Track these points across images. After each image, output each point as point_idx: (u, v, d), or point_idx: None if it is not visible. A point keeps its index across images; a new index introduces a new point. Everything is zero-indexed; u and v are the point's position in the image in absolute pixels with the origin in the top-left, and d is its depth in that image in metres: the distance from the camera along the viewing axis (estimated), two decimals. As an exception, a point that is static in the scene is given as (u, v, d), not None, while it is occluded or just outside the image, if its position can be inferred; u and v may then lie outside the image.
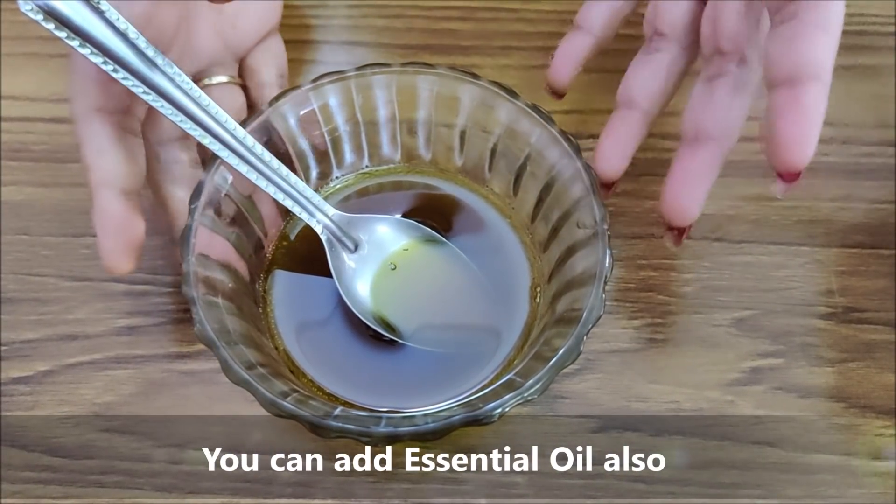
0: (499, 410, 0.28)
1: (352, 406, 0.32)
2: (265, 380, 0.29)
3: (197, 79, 0.38)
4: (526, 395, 0.28)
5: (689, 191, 0.33)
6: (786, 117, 0.30)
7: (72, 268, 0.39)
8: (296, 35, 0.45)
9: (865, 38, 0.45)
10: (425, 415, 0.30)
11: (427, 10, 0.47)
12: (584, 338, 0.29)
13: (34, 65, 0.45)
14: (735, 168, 0.41)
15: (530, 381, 0.28)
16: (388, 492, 0.34)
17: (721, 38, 0.34)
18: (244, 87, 0.40)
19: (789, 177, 0.31)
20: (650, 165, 0.41)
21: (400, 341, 0.34)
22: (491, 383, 0.32)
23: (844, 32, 0.45)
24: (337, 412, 0.29)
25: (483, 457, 0.35)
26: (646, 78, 0.36)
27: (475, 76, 0.35)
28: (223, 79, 0.38)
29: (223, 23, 0.38)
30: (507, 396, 0.28)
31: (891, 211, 0.40)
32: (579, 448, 0.35)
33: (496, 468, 0.35)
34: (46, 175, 0.41)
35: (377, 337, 0.34)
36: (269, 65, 0.40)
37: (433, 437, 0.28)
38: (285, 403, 0.28)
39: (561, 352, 0.29)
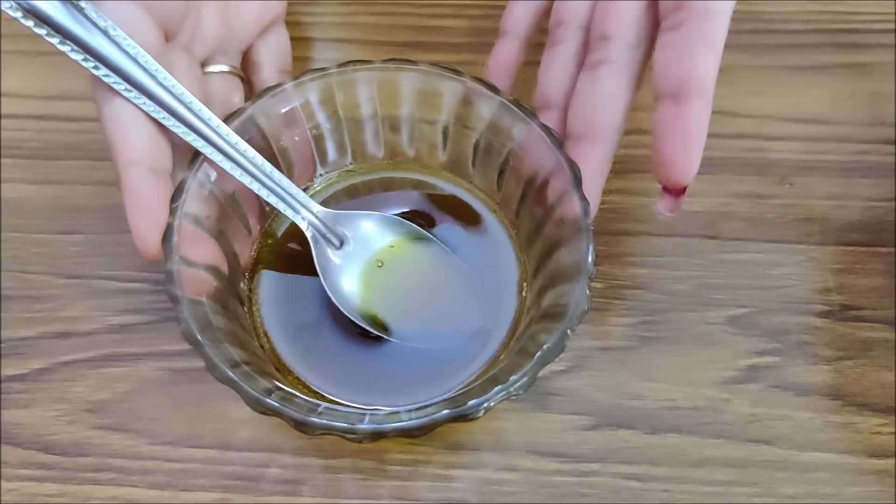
0: (484, 406, 0.28)
1: (339, 404, 0.32)
2: (250, 378, 0.29)
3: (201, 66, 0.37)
4: (511, 390, 0.28)
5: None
6: (669, 133, 0.31)
7: (64, 265, 0.39)
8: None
9: (860, 35, 0.45)
10: (410, 411, 0.30)
11: (418, 7, 0.47)
12: (569, 333, 0.29)
13: (25, 62, 0.45)
14: (728, 165, 0.41)
15: (515, 377, 0.28)
16: (379, 489, 0.34)
17: (609, 21, 0.34)
18: (245, 80, 0.40)
19: (674, 192, 0.33)
20: (639, 162, 0.41)
21: (387, 338, 0.34)
22: (478, 379, 0.32)
23: (840, 31, 0.46)
24: (321, 409, 0.29)
25: (475, 454, 0.35)
26: (556, 74, 0.36)
27: (457, 72, 0.35)
28: (224, 67, 0.38)
29: (228, 9, 0.37)
30: (492, 392, 0.28)
31: (888, 209, 0.40)
32: (573, 446, 0.35)
33: (488, 466, 0.35)
34: (38, 172, 0.41)
35: (364, 334, 0.34)
36: (272, 61, 0.40)
37: (418, 434, 0.28)
38: (269, 401, 0.28)
39: (545, 347, 0.29)
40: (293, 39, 0.41)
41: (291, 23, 0.45)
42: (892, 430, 0.35)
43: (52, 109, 0.43)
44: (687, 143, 0.31)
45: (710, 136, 0.41)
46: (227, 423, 0.35)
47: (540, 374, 0.36)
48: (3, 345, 0.37)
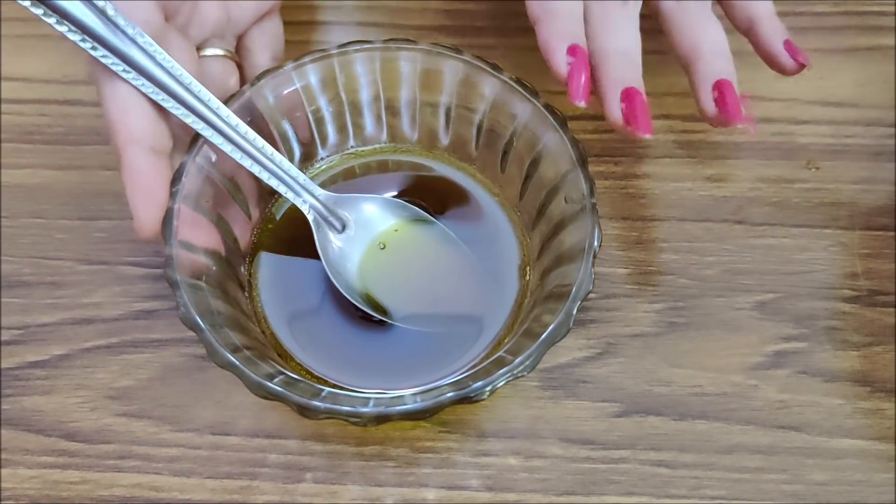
0: (489, 388, 0.28)
1: (342, 389, 0.32)
2: (251, 363, 0.29)
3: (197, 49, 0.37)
4: (516, 371, 0.28)
5: None
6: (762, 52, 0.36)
7: (87, 251, 0.38)
8: (307, 16, 0.45)
9: (887, 18, 0.45)
10: (414, 394, 0.29)
11: (442, -10, 0.46)
12: (574, 313, 0.29)
13: (47, 47, 0.44)
14: (755, 149, 0.41)
15: (520, 358, 0.28)
16: (410, 476, 0.34)
17: None
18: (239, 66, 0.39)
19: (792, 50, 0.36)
20: (670, 147, 0.40)
21: (389, 322, 0.34)
22: (481, 362, 0.32)
23: (867, 13, 0.45)
24: (324, 393, 0.28)
25: (505, 442, 0.35)
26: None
27: (458, 51, 0.35)
28: (220, 52, 0.37)
29: None
30: (497, 373, 0.28)
31: (915, 193, 0.40)
32: (602, 433, 0.35)
33: (519, 453, 0.34)
34: (62, 158, 0.41)
35: (366, 318, 0.34)
36: (265, 47, 0.39)
37: (423, 416, 0.28)
38: (272, 385, 0.28)
39: (551, 327, 0.29)
40: (313, 23, 0.41)
41: (312, 6, 0.45)
42: (923, 416, 0.35)
43: (76, 94, 0.43)
44: (775, 46, 0.36)
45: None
46: (254, 410, 0.35)
47: (569, 362, 0.36)
48: (23, 331, 0.37)
